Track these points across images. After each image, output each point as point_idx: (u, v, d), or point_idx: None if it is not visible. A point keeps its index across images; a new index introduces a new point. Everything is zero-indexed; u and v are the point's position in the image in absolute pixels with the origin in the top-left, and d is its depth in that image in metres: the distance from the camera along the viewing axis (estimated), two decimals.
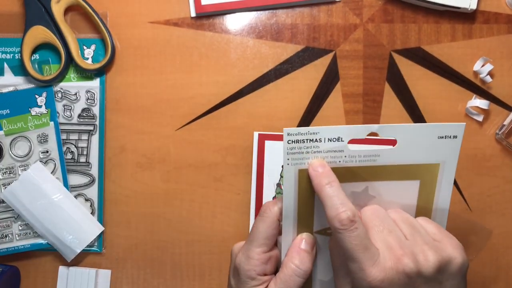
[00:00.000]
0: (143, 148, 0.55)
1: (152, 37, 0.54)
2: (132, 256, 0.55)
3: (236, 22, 0.54)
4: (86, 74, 0.54)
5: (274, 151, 0.53)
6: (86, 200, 0.55)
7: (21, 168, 0.54)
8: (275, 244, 0.40)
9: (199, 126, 0.55)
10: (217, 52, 0.54)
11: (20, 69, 0.54)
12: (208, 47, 0.54)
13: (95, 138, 0.54)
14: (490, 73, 0.53)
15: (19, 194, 0.53)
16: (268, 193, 0.54)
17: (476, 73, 0.54)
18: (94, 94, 0.54)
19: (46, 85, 0.54)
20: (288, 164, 0.37)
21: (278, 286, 0.38)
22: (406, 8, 0.54)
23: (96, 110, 0.54)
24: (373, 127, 0.37)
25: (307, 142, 0.37)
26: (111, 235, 0.55)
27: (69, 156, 0.55)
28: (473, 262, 0.54)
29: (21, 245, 0.54)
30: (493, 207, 0.54)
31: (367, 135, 0.37)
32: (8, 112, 0.54)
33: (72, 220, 0.53)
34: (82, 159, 0.55)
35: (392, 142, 0.38)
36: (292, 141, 0.37)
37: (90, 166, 0.55)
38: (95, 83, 0.54)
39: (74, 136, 0.55)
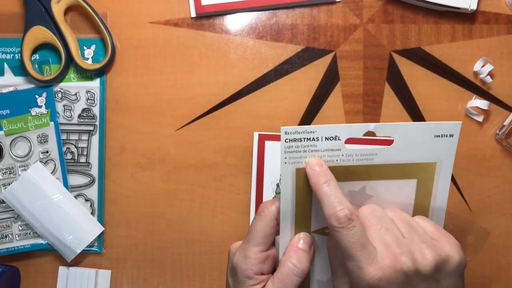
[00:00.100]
0: (143, 148, 0.55)
1: (152, 37, 0.54)
2: (132, 256, 0.55)
3: (236, 22, 0.54)
4: (86, 74, 0.54)
5: (274, 152, 0.53)
6: (86, 200, 0.55)
7: (21, 168, 0.54)
8: (273, 244, 0.40)
9: (199, 126, 0.55)
10: (217, 52, 0.54)
11: (20, 69, 0.54)
12: (208, 47, 0.54)
13: (95, 138, 0.54)
14: (490, 74, 0.53)
15: (19, 194, 0.53)
16: (268, 193, 0.54)
17: (476, 74, 0.54)
18: (94, 94, 0.54)
19: (46, 85, 0.54)
20: (285, 163, 0.37)
21: (276, 286, 0.38)
22: (406, 9, 0.54)
23: (96, 110, 0.54)
24: (370, 126, 0.37)
25: (304, 141, 0.37)
26: (111, 235, 0.55)
27: (69, 156, 0.55)
28: (473, 263, 0.54)
29: (21, 245, 0.54)
30: (493, 207, 0.54)
31: (364, 134, 0.37)
32: (8, 112, 0.54)
33: (72, 220, 0.53)
34: (82, 159, 0.55)
35: (389, 141, 0.38)
36: (290, 140, 0.37)
37: (90, 166, 0.55)
38: (95, 83, 0.54)
39: (74, 136, 0.55)
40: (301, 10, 0.54)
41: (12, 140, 0.54)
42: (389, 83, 0.54)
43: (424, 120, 0.54)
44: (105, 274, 0.55)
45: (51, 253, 0.55)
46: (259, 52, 0.54)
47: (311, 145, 0.37)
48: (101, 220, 0.55)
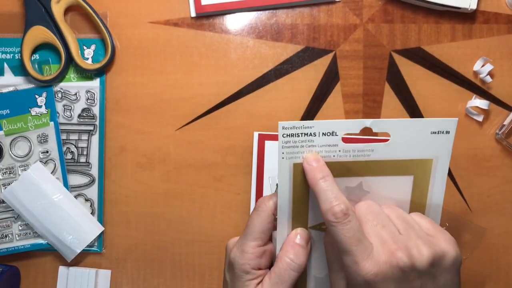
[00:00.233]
0: (143, 148, 0.55)
1: (152, 37, 0.54)
2: (132, 256, 0.55)
3: (236, 22, 0.54)
4: (86, 74, 0.54)
5: (274, 151, 0.53)
6: (86, 200, 0.55)
7: (21, 168, 0.54)
8: (270, 240, 0.41)
9: (199, 126, 0.55)
10: (217, 52, 0.54)
11: (20, 69, 0.54)
12: (208, 47, 0.54)
13: (95, 138, 0.54)
14: (490, 73, 0.53)
15: (19, 194, 0.53)
16: (268, 193, 0.54)
17: (476, 73, 0.54)
18: (94, 94, 0.54)
19: (46, 85, 0.54)
20: (283, 158, 0.38)
21: (273, 280, 0.38)
22: (406, 8, 0.54)
23: (96, 110, 0.54)
24: (367, 122, 0.37)
25: (302, 136, 0.37)
26: (111, 235, 0.55)
27: (69, 156, 0.55)
28: (473, 262, 0.54)
29: (21, 245, 0.54)
30: (493, 207, 0.54)
31: (361, 130, 0.37)
32: (8, 112, 0.54)
33: (72, 220, 0.53)
34: (82, 159, 0.55)
35: (386, 137, 0.38)
36: (287, 135, 0.37)
37: (90, 166, 0.55)
38: (95, 83, 0.54)
39: (74, 136, 0.55)
40: (301, 10, 0.54)
41: (12, 140, 0.54)
42: (389, 83, 0.54)
43: None
44: (105, 274, 0.55)
45: (51, 253, 0.55)
46: (259, 52, 0.54)
47: (308, 140, 0.37)
48: (101, 220, 0.55)
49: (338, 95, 0.54)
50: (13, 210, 0.53)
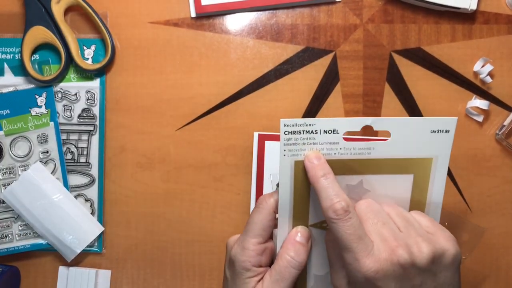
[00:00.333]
0: (143, 148, 0.55)
1: (152, 37, 0.54)
2: (132, 256, 0.55)
3: (236, 22, 0.54)
4: (86, 74, 0.54)
5: (274, 151, 0.53)
6: (86, 200, 0.55)
7: (21, 168, 0.54)
8: (271, 237, 0.41)
9: (199, 126, 0.55)
10: (217, 52, 0.54)
11: (20, 69, 0.54)
12: (208, 47, 0.54)
13: (95, 138, 0.54)
14: (490, 74, 0.53)
15: (19, 194, 0.53)
16: (268, 192, 0.54)
17: (476, 74, 0.54)
18: (94, 94, 0.54)
19: (46, 85, 0.54)
20: (284, 155, 0.38)
21: (273, 278, 0.38)
22: (406, 9, 0.54)
23: (96, 110, 0.54)
24: (368, 120, 0.38)
25: (303, 133, 0.37)
26: (111, 235, 0.55)
27: (69, 156, 0.55)
28: (473, 262, 0.54)
29: (21, 245, 0.54)
30: (493, 207, 0.54)
31: (362, 128, 0.37)
32: (8, 112, 0.54)
33: (72, 220, 0.53)
34: (82, 159, 0.55)
35: (387, 136, 0.38)
36: (289, 132, 0.37)
37: (90, 166, 0.55)
38: (95, 83, 0.54)
39: (74, 136, 0.55)
40: (301, 10, 0.54)
41: (12, 140, 0.54)
42: (389, 83, 0.54)
43: None
44: (105, 274, 0.55)
45: (51, 253, 0.55)
46: (259, 52, 0.54)
47: (310, 138, 0.37)
48: (101, 220, 0.55)
49: (338, 95, 0.54)
50: (13, 210, 0.53)
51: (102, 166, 0.54)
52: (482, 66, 0.53)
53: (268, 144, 0.53)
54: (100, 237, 0.55)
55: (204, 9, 0.53)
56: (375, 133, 0.53)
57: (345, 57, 0.54)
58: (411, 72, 0.54)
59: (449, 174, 0.54)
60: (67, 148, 0.55)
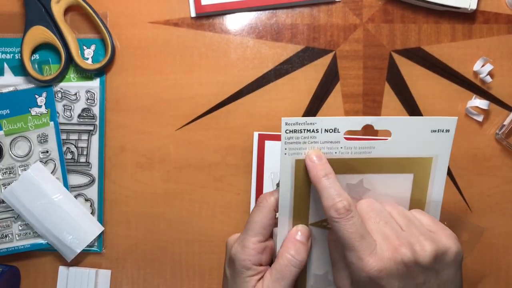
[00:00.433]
0: (143, 148, 0.55)
1: (152, 37, 0.54)
2: (132, 256, 0.55)
3: (236, 22, 0.54)
4: (86, 74, 0.54)
5: (274, 151, 0.53)
6: (86, 200, 0.55)
7: (21, 168, 0.54)
8: (271, 236, 0.41)
9: (199, 126, 0.55)
10: (217, 52, 0.54)
11: (20, 69, 0.54)
12: (208, 47, 0.54)
13: (95, 138, 0.54)
14: (490, 73, 0.53)
15: (19, 194, 0.53)
16: (269, 191, 0.54)
17: (476, 73, 0.54)
18: (94, 94, 0.54)
19: (46, 85, 0.54)
20: (285, 154, 0.38)
21: (274, 277, 0.38)
22: (406, 8, 0.54)
23: (96, 110, 0.54)
24: (368, 119, 0.38)
25: (304, 132, 0.37)
26: (111, 235, 0.55)
27: (69, 156, 0.55)
28: (473, 262, 0.54)
29: (21, 245, 0.54)
30: (493, 207, 0.54)
31: (363, 127, 0.37)
32: (8, 112, 0.54)
33: (72, 220, 0.53)
34: (82, 159, 0.55)
35: (387, 135, 0.38)
36: (290, 131, 0.37)
37: (90, 166, 0.55)
38: (95, 83, 0.54)
39: (74, 136, 0.55)
40: (301, 10, 0.54)
41: (12, 140, 0.54)
42: (389, 83, 0.54)
43: None
44: (105, 274, 0.55)
45: (51, 253, 0.55)
46: (259, 52, 0.54)
47: (311, 137, 0.38)
48: (101, 220, 0.55)
49: (338, 95, 0.54)
50: (13, 210, 0.53)
51: (102, 166, 0.54)
52: (482, 66, 0.53)
53: (268, 144, 0.53)
54: (100, 237, 0.55)
55: (204, 9, 0.53)
56: (376, 133, 0.53)
57: (345, 57, 0.54)
58: (411, 72, 0.54)
59: (449, 174, 0.54)
60: (67, 148, 0.55)
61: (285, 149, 0.38)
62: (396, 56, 0.54)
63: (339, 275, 0.38)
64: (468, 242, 0.53)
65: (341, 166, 0.39)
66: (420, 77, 0.54)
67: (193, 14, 0.54)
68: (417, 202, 0.40)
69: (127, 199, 0.55)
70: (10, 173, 0.54)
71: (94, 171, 0.55)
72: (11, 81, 0.54)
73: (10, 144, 0.54)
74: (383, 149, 0.38)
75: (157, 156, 0.55)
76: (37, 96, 0.54)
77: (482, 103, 0.53)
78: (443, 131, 0.38)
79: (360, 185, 0.40)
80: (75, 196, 0.55)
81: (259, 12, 0.54)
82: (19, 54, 0.53)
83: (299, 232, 0.40)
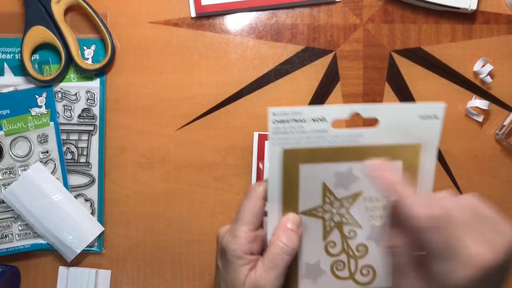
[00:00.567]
0: (143, 148, 0.55)
1: (152, 37, 0.54)
2: (132, 256, 0.55)
3: (236, 22, 0.54)
4: (86, 74, 0.54)
5: None
6: (86, 200, 0.55)
7: (21, 168, 0.54)
8: (262, 226, 0.41)
9: (199, 126, 0.55)
10: (217, 52, 0.54)
11: (20, 69, 0.54)
12: (208, 47, 0.54)
13: (95, 138, 0.54)
14: (490, 74, 0.53)
15: (19, 194, 0.53)
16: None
17: (476, 74, 0.54)
18: (94, 94, 0.54)
19: (46, 85, 0.54)
20: (273, 144, 0.38)
21: (266, 265, 0.38)
22: (406, 8, 0.54)
23: (96, 110, 0.54)
24: (355, 107, 0.38)
25: (291, 122, 0.38)
26: (111, 235, 0.55)
27: (69, 156, 0.55)
28: None
29: (21, 245, 0.54)
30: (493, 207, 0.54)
31: (350, 116, 0.38)
32: (8, 112, 0.54)
33: (72, 220, 0.53)
34: (82, 159, 0.55)
35: (375, 123, 0.38)
36: (277, 121, 0.37)
37: (90, 166, 0.55)
38: (95, 83, 0.54)
39: (74, 136, 0.55)
40: (301, 10, 0.54)
41: (12, 140, 0.54)
42: (389, 83, 0.54)
43: None
44: (105, 274, 0.55)
45: (51, 253, 0.55)
46: (259, 52, 0.54)
47: (298, 127, 0.38)
48: (101, 220, 0.55)
49: (338, 95, 0.54)
50: (13, 210, 0.53)
51: (102, 166, 0.54)
52: (482, 66, 0.53)
53: (268, 144, 0.53)
54: (100, 237, 0.55)
55: (204, 9, 0.53)
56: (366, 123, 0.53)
57: (345, 57, 0.54)
58: (411, 72, 0.54)
59: (449, 174, 0.54)
60: (67, 148, 0.55)
61: (273, 139, 0.38)
62: (396, 56, 0.54)
63: (410, 283, 0.36)
64: None
65: (329, 155, 0.39)
66: (420, 77, 0.54)
67: (193, 14, 0.54)
68: None
69: (127, 199, 0.55)
70: (10, 173, 0.54)
71: (94, 171, 0.55)
72: (11, 81, 0.54)
73: (10, 144, 0.54)
74: (371, 137, 0.39)
75: (157, 156, 0.55)
76: (37, 96, 0.54)
77: (482, 103, 0.53)
78: (431, 117, 0.39)
79: (349, 173, 0.40)
80: (75, 196, 0.55)
81: (259, 12, 0.54)
82: (19, 54, 0.53)
83: (290, 220, 0.40)
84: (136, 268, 0.55)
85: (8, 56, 0.54)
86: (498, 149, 0.54)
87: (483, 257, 0.32)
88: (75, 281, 0.55)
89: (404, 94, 0.54)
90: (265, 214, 0.41)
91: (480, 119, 0.54)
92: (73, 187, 0.55)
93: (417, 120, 0.38)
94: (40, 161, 0.54)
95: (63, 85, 0.54)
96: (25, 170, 0.54)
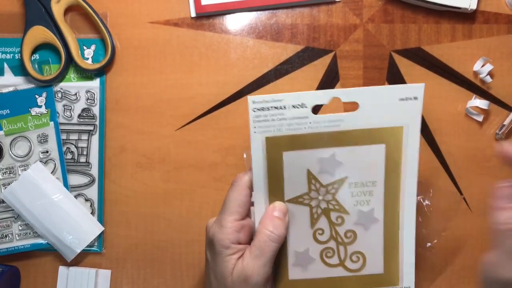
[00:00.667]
0: (143, 148, 0.55)
1: (152, 37, 0.54)
2: (132, 256, 0.55)
3: (236, 22, 0.54)
4: (86, 74, 0.54)
5: None
6: (86, 200, 0.55)
7: (21, 168, 0.54)
8: (249, 216, 0.41)
9: (199, 126, 0.55)
10: (217, 52, 0.54)
11: (20, 69, 0.54)
12: (208, 47, 0.54)
13: (95, 138, 0.54)
14: (490, 73, 0.53)
15: (19, 194, 0.53)
16: None
17: (476, 73, 0.54)
18: (94, 94, 0.54)
19: (46, 85, 0.54)
20: (254, 132, 0.38)
21: (254, 254, 0.38)
22: (406, 8, 0.54)
23: (96, 110, 0.54)
24: (335, 92, 0.38)
25: (272, 109, 0.38)
26: (111, 235, 0.55)
27: (69, 156, 0.55)
28: (473, 261, 0.54)
29: (21, 245, 0.54)
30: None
31: (330, 100, 0.38)
32: (8, 112, 0.54)
33: (72, 220, 0.53)
34: (82, 159, 0.55)
35: (355, 107, 0.39)
36: (257, 109, 0.38)
37: (90, 166, 0.55)
38: (95, 83, 0.54)
39: (74, 136, 0.55)
40: (301, 10, 0.54)
41: (12, 140, 0.54)
42: (389, 83, 0.54)
43: (424, 120, 0.54)
44: (105, 274, 0.55)
45: (51, 253, 0.55)
46: (259, 52, 0.54)
47: (278, 114, 0.38)
48: (101, 220, 0.55)
49: None
50: (13, 210, 0.53)
51: (102, 166, 0.54)
52: (482, 66, 0.53)
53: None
54: (100, 237, 0.55)
55: (204, 9, 0.53)
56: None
57: (345, 57, 0.54)
58: (411, 72, 0.54)
59: (449, 174, 0.54)
60: (67, 148, 0.55)
61: (254, 127, 0.38)
62: (396, 56, 0.54)
63: None
64: (448, 211, 0.53)
65: (312, 141, 0.39)
66: (420, 77, 0.54)
67: (193, 14, 0.54)
68: (392, 173, 0.41)
69: (127, 199, 0.55)
70: (10, 173, 0.54)
71: (94, 171, 0.55)
72: (11, 81, 0.54)
73: (10, 144, 0.54)
74: (352, 121, 0.39)
75: (157, 156, 0.55)
76: (37, 96, 0.54)
77: (482, 103, 0.53)
78: (411, 98, 0.39)
79: (333, 158, 0.40)
80: (75, 196, 0.55)
81: (259, 12, 0.54)
82: (19, 54, 0.53)
83: (276, 208, 0.40)
84: (136, 268, 0.55)
85: (8, 56, 0.54)
86: None
87: None
88: (75, 281, 0.55)
89: None
90: (252, 203, 0.41)
91: (480, 119, 0.54)
92: (73, 187, 0.55)
93: (397, 102, 0.39)
94: (40, 161, 0.54)
95: (63, 85, 0.54)
96: (25, 170, 0.54)
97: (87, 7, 0.53)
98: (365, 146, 0.40)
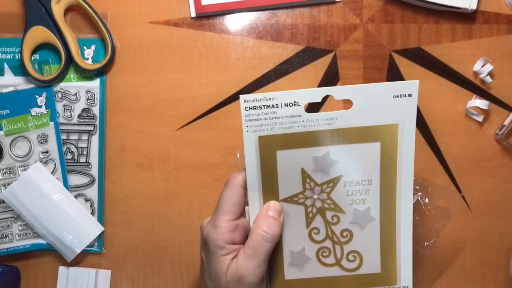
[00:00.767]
0: (143, 148, 0.55)
1: (152, 37, 0.54)
2: (132, 256, 0.55)
3: (236, 22, 0.54)
4: (86, 74, 0.54)
5: None
6: (86, 200, 0.55)
7: (21, 168, 0.54)
8: (243, 216, 0.41)
9: (199, 126, 0.55)
10: (217, 52, 0.54)
11: (20, 69, 0.54)
12: (208, 47, 0.54)
13: (95, 138, 0.54)
14: (490, 73, 0.53)
15: (19, 194, 0.53)
16: None
17: (476, 73, 0.54)
18: (94, 94, 0.54)
19: (46, 85, 0.54)
20: (247, 131, 0.38)
21: (248, 254, 0.38)
22: (406, 8, 0.54)
23: (96, 110, 0.54)
24: (327, 90, 0.38)
25: (264, 108, 0.38)
26: (111, 235, 0.55)
27: (69, 156, 0.55)
28: (473, 262, 0.54)
29: (21, 245, 0.54)
30: (493, 207, 0.54)
31: (323, 98, 0.37)
32: (8, 112, 0.54)
33: (72, 220, 0.53)
34: (82, 159, 0.55)
35: (349, 105, 0.38)
36: (250, 108, 0.37)
37: (90, 166, 0.55)
38: (95, 83, 0.54)
39: (74, 136, 0.55)
40: (301, 10, 0.54)
41: (12, 140, 0.54)
42: None
43: (424, 120, 0.54)
44: (105, 274, 0.55)
45: (51, 253, 0.55)
46: (259, 52, 0.54)
47: (271, 112, 0.38)
48: (101, 220, 0.55)
49: None
50: (13, 210, 0.53)
51: (102, 166, 0.54)
52: (482, 66, 0.53)
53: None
54: (100, 237, 0.55)
55: (204, 9, 0.53)
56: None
57: (345, 57, 0.54)
58: (411, 72, 0.54)
59: (449, 174, 0.54)
60: (67, 148, 0.55)
61: (247, 126, 0.38)
62: (396, 56, 0.54)
63: None
64: (447, 209, 0.53)
65: (305, 140, 0.39)
66: (420, 77, 0.54)
67: (193, 14, 0.54)
68: (387, 170, 0.40)
69: (127, 199, 0.55)
70: (10, 173, 0.54)
71: (94, 171, 0.55)
72: (11, 81, 0.54)
73: (10, 144, 0.54)
74: (346, 119, 0.38)
75: (157, 156, 0.55)
76: (37, 96, 0.54)
77: (482, 103, 0.53)
78: (405, 95, 0.38)
79: (327, 157, 0.39)
80: (75, 196, 0.55)
81: (259, 12, 0.54)
82: (19, 54, 0.53)
83: (271, 207, 0.40)
84: (136, 268, 0.55)
85: (8, 56, 0.54)
86: (498, 149, 0.54)
87: None
88: (75, 281, 0.55)
89: None
90: (247, 203, 0.41)
91: (480, 119, 0.54)
92: (73, 187, 0.55)
93: (392, 100, 0.38)
94: (40, 161, 0.54)
95: (63, 85, 0.54)
96: (25, 170, 0.54)
97: (87, 7, 0.53)
98: (360, 144, 0.39)
